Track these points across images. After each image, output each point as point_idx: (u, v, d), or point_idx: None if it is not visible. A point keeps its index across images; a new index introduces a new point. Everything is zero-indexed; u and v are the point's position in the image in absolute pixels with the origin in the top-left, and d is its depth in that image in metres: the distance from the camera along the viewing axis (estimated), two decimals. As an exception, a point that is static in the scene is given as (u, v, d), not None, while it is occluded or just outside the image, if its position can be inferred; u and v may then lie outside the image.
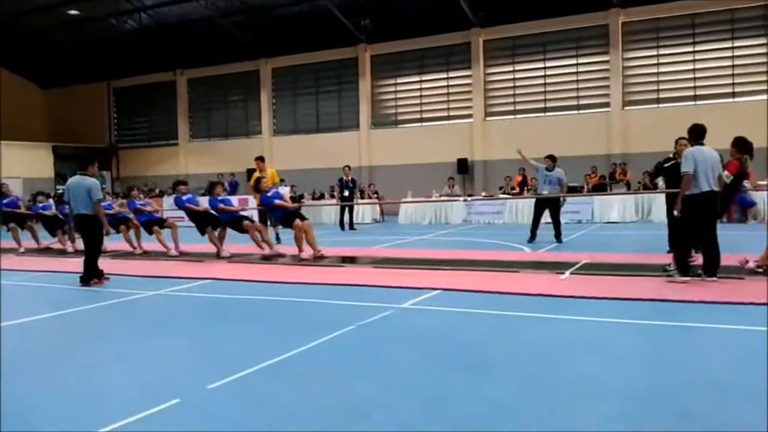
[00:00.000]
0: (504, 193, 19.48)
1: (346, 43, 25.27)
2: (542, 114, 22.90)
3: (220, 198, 11.82)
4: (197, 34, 26.39)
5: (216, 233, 11.61)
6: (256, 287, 8.13)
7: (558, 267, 8.69)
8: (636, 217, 17.46)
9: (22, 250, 13.78)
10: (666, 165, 9.64)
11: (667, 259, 8.30)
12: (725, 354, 4.61)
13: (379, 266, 9.53)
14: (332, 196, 20.88)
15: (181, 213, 12.59)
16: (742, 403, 3.54)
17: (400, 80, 25.54)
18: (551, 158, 12.54)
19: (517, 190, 19.73)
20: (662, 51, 21.28)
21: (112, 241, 12.37)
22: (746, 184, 15.86)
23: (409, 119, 25.38)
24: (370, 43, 25.30)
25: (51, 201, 15.23)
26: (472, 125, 23.88)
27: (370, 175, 24.75)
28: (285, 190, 12.72)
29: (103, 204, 9.46)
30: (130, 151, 31.85)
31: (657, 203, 15.78)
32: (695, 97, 20.71)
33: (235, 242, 12.16)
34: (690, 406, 3.53)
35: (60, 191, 22.72)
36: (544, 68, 22.95)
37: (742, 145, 8.09)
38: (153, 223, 12.67)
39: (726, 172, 7.91)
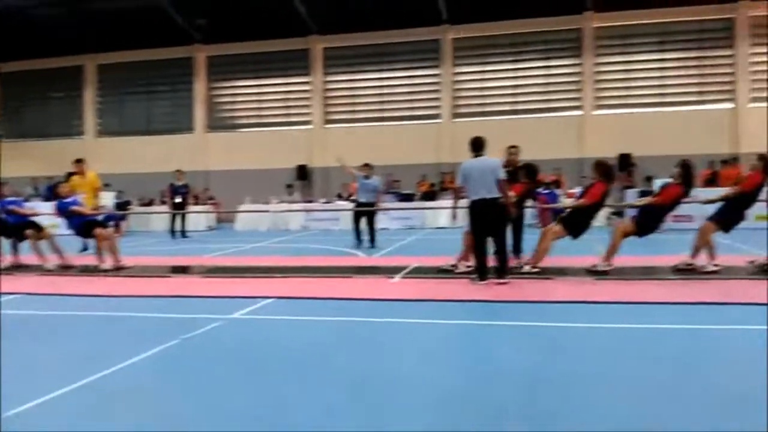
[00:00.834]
0: (344, 200, 19.71)
1: (180, 42, 24.25)
2: (378, 123, 23.49)
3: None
4: (13, 25, 23.93)
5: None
6: (67, 302, 7.45)
7: (389, 271, 8.91)
8: (463, 223, 18.41)
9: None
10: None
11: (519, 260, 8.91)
12: (535, 349, 4.96)
13: (209, 276, 9.19)
14: (163, 203, 19.88)
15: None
16: (551, 395, 3.82)
17: (238, 83, 25.00)
18: (368, 166, 12.91)
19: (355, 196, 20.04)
20: (488, 67, 22.80)
21: None
22: (557, 192, 17.55)
23: (248, 123, 24.90)
24: (206, 44, 24.49)
25: None
26: (311, 131, 23.94)
27: (206, 180, 23.92)
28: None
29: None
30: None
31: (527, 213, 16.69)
32: (515, 111, 22.42)
33: (28, 252, 10.82)
34: (504, 401, 3.75)
35: None
36: (380, 78, 23.62)
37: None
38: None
39: (512, 194, 8.22)
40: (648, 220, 8.41)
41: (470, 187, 7.73)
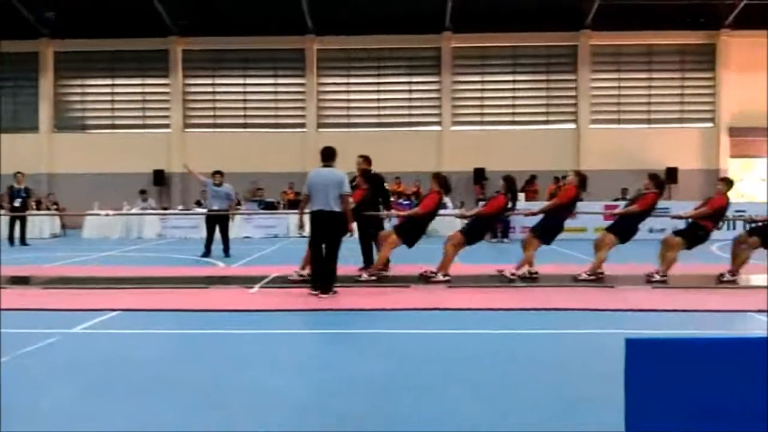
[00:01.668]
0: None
1: (25, 35, 22.39)
2: (242, 129, 23.07)
3: None
4: None
5: None
6: None
7: (248, 281, 8.75)
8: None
9: None
10: (353, 183, 10.46)
11: (365, 270, 9.01)
12: (386, 356, 5.09)
13: (50, 287, 8.53)
14: (0, 207, 18.19)
15: None
16: (401, 401, 3.93)
17: (89, 81, 23.53)
18: (219, 173, 12.69)
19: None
20: (351, 79, 23.16)
21: None
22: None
23: (100, 125, 23.48)
24: (53, 38, 22.82)
25: None
26: (170, 135, 23.01)
27: (50, 184, 22.21)
28: None
29: None
30: None
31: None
32: (378, 124, 22.95)
33: None
34: (357, 408, 3.81)
35: None
36: (244, 84, 23.25)
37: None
38: None
39: (351, 200, 8.55)
40: (475, 230, 8.93)
41: (313, 197, 7.66)
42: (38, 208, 18.74)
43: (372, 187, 9.71)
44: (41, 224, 18.29)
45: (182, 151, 22.64)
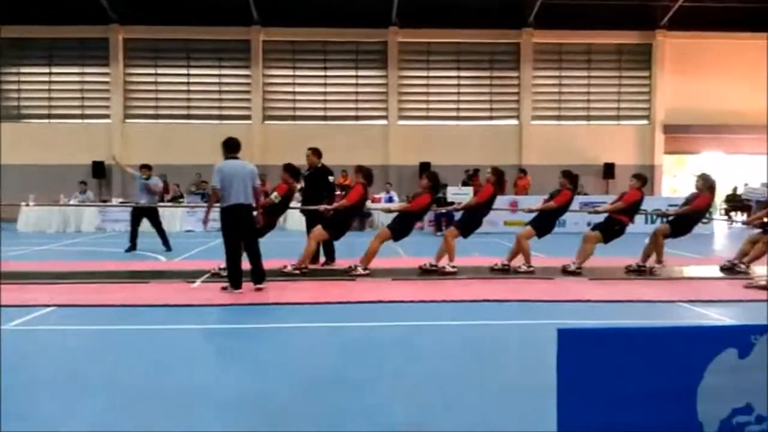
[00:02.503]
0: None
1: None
2: (185, 121, 22.62)
3: None
4: None
5: None
6: None
7: (191, 275, 8.65)
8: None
9: None
10: (305, 175, 10.47)
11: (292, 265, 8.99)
12: (316, 351, 5.15)
13: (-18, 282, 8.23)
14: (-72, 199, 17.35)
15: None
16: (338, 395, 3.99)
17: (24, 69, 22.63)
18: (147, 167, 12.45)
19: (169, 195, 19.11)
20: (298, 71, 23.01)
21: None
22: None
23: (36, 114, 22.64)
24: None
25: None
26: (110, 126, 22.38)
27: (-17, 175, 21.29)
28: None
29: None
30: None
31: (293, 214, 16.79)
32: (325, 117, 22.89)
33: None
34: (287, 404, 3.85)
35: None
36: (187, 75, 22.79)
37: (292, 170, 9.12)
38: None
39: (276, 193, 8.81)
40: (401, 226, 9.08)
41: (229, 191, 7.44)
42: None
43: (318, 181, 9.75)
44: (-28, 217, 17.54)
45: (124, 143, 22.09)
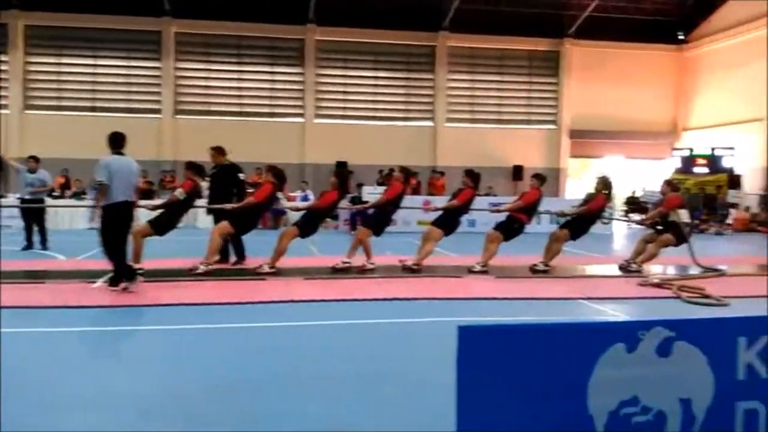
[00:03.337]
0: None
1: None
2: (90, 113, 21.58)
3: None
4: None
5: None
6: None
7: (92, 276, 8.27)
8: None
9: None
10: (211, 174, 10.25)
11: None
12: (222, 353, 5.06)
13: None
14: None
15: None
16: (243, 399, 3.93)
17: None
18: (34, 159, 11.88)
19: (59, 192, 18.17)
20: (212, 66, 22.47)
21: None
22: (280, 195, 17.99)
23: None
24: None
25: None
26: (7, 117, 21.05)
27: None
28: None
29: None
30: None
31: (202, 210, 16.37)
32: (240, 113, 22.47)
33: None
34: (198, 407, 3.76)
35: None
36: (94, 65, 21.81)
37: (196, 169, 9.04)
38: None
39: (180, 190, 8.70)
40: (308, 223, 9.08)
41: (116, 187, 7.19)
42: None
43: (225, 178, 9.60)
44: None
45: (21, 135, 20.86)
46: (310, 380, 4.30)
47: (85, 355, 4.98)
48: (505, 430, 2.52)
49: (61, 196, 17.98)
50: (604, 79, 23.90)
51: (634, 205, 22.55)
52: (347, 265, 9.07)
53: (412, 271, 9.10)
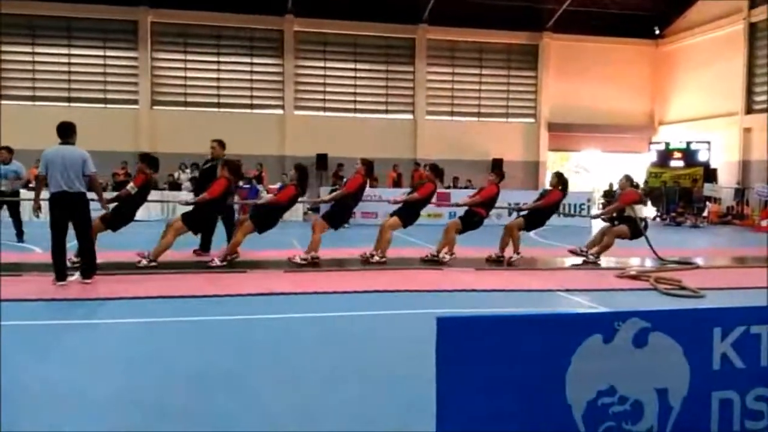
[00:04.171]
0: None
1: None
2: (65, 103, 21.28)
3: None
4: None
5: None
6: None
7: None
8: (162, 216, 17.69)
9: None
10: (205, 167, 10.15)
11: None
12: (184, 345, 5.02)
13: None
14: None
15: None
16: (219, 393, 3.90)
17: None
18: (7, 149, 11.77)
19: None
20: (190, 56, 22.24)
21: None
22: (261, 188, 17.89)
23: None
24: None
25: None
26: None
27: None
28: None
29: None
30: None
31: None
32: (219, 104, 22.29)
33: None
34: (167, 401, 3.73)
35: None
36: (68, 55, 21.47)
37: (149, 161, 8.98)
38: None
39: (132, 184, 8.63)
40: (265, 217, 8.96)
41: (52, 178, 7.04)
42: None
43: (215, 173, 9.47)
44: None
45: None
46: (278, 374, 4.28)
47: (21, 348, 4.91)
48: (485, 419, 2.53)
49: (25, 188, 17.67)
50: (582, 73, 24.09)
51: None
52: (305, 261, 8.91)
53: (380, 263, 9.04)
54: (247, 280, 7.74)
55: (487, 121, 24.07)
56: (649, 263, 9.98)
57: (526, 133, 24.36)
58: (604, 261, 9.87)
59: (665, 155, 22.36)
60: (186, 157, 19.30)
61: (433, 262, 9.22)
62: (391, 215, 9.60)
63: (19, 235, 11.56)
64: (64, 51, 21.48)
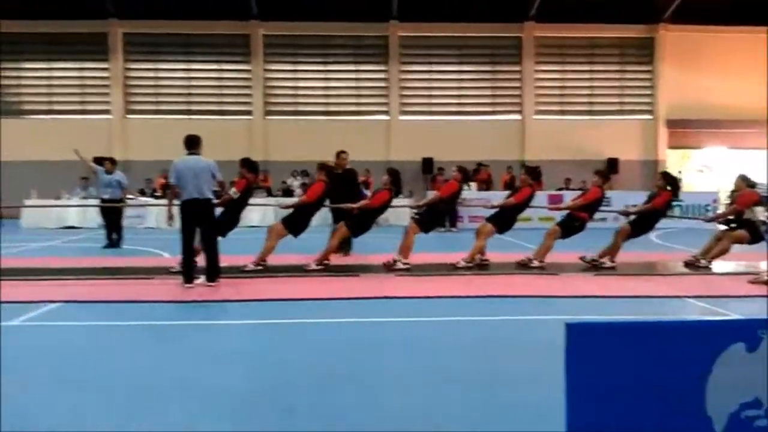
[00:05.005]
0: (149, 197, 18.62)
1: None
2: (186, 116, 22.55)
3: None
4: None
5: None
6: None
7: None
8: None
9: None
10: (338, 173, 10.45)
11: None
12: (309, 346, 5.12)
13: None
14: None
15: None
16: (344, 392, 3.98)
17: (25, 65, 22.63)
18: (111, 161, 12.52)
19: (160, 193, 19.06)
20: (299, 66, 22.97)
21: None
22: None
23: (37, 110, 22.59)
24: None
25: None
26: (110, 122, 22.35)
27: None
28: None
29: None
30: None
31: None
32: (327, 113, 22.86)
33: None
34: (293, 401, 3.84)
35: None
36: (187, 69, 22.77)
37: (249, 165, 9.14)
38: None
39: (234, 189, 8.69)
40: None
41: (182, 187, 7.51)
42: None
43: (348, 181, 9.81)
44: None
45: (125, 138, 22.08)
46: (413, 373, 4.29)
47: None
48: (617, 429, 2.43)
49: (163, 196, 18.83)
50: (703, 65, 22.64)
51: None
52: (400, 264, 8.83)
53: (468, 268, 8.87)
54: (358, 284, 7.85)
55: (599, 119, 23.14)
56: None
57: (643, 131, 23.20)
58: (734, 265, 9.22)
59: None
60: (297, 165, 19.98)
61: (535, 268, 8.88)
62: (486, 220, 9.44)
63: (116, 242, 12.09)
64: (184, 66, 22.79)
